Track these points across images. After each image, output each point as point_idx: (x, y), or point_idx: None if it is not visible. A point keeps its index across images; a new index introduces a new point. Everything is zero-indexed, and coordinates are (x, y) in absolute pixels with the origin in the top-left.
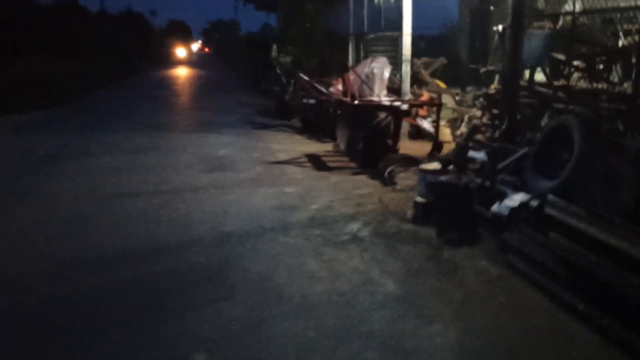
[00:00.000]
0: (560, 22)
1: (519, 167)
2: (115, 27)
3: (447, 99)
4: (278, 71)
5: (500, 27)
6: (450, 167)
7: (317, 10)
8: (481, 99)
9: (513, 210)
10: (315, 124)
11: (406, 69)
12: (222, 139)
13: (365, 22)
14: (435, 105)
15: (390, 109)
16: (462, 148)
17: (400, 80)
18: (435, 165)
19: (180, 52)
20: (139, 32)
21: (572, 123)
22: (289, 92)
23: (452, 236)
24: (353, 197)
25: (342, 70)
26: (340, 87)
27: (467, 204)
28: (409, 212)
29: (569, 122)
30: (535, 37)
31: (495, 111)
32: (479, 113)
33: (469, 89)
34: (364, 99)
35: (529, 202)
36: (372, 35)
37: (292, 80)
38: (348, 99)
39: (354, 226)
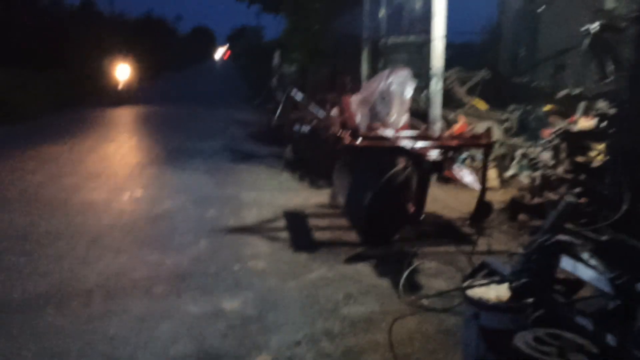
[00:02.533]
0: None
1: None
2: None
3: (492, 128)
4: (272, 84)
5: (595, 26)
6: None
7: (327, 11)
8: (554, 137)
9: None
10: (310, 159)
11: (437, 85)
12: (180, 180)
13: (384, 24)
14: (483, 146)
15: (413, 157)
16: (545, 252)
17: (428, 102)
18: (497, 294)
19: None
20: (159, 38)
21: None
22: (278, 114)
23: None
24: (341, 326)
25: (340, 88)
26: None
27: None
28: None
29: None
30: None
31: (580, 159)
32: (545, 155)
33: (510, 108)
34: (373, 133)
35: None
36: (391, 41)
37: (285, 98)
38: (347, 135)
39: None
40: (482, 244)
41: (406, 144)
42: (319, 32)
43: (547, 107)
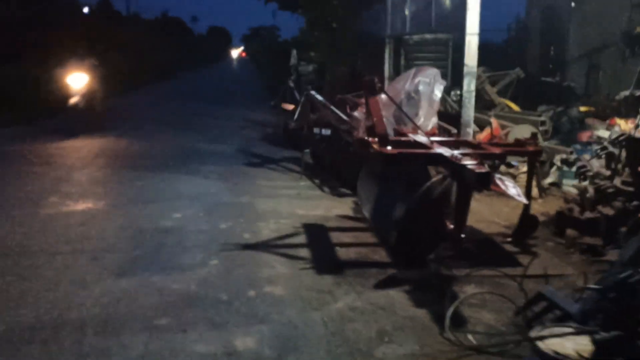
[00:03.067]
0: None
1: None
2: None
3: (527, 132)
4: (291, 84)
5: None
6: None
7: (346, 7)
8: (606, 146)
9: None
10: (331, 165)
11: (470, 86)
12: (192, 187)
13: (408, 20)
14: (529, 153)
15: (454, 167)
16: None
17: (459, 103)
18: (575, 347)
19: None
20: (176, 37)
21: None
22: (296, 115)
23: None
24: None
25: (366, 88)
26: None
27: None
28: None
29: None
30: None
31: None
32: (597, 163)
33: (541, 109)
34: (404, 138)
35: None
36: (416, 38)
37: (304, 98)
38: (375, 142)
39: None
40: (531, 266)
41: (444, 151)
42: (338, 29)
43: (584, 109)
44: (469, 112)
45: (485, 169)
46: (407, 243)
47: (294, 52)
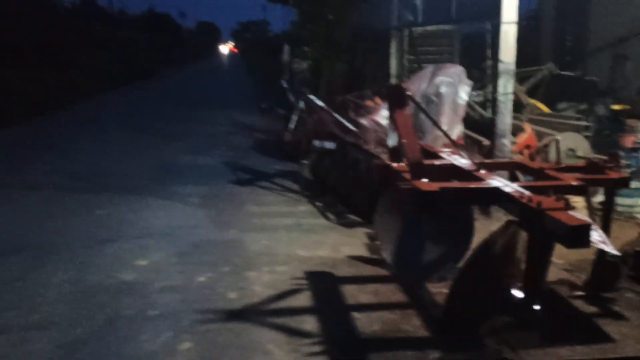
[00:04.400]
0: None
1: None
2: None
3: (574, 141)
4: (284, 84)
5: None
6: None
7: None
8: None
9: None
10: (337, 185)
11: (507, 87)
12: (166, 218)
13: (420, 8)
14: (611, 182)
15: (528, 214)
16: None
17: (494, 109)
18: None
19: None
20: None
21: None
22: (292, 124)
23: None
24: None
25: (392, 98)
26: (378, 116)
27: None
28: None
29: None
30: None
31: None
32: None
33: (561, 106)
34: (438, 162)
35: None
36: (430, 29)
37: (302, 102)
38: (404, 170)
39: None
40: (622, 339)
41: (503, 185)
42: (334, 22)
43: (617, 107)
44: (505, 119)
45: (582, 218)
46: (457, 315)
47: (287, 47)
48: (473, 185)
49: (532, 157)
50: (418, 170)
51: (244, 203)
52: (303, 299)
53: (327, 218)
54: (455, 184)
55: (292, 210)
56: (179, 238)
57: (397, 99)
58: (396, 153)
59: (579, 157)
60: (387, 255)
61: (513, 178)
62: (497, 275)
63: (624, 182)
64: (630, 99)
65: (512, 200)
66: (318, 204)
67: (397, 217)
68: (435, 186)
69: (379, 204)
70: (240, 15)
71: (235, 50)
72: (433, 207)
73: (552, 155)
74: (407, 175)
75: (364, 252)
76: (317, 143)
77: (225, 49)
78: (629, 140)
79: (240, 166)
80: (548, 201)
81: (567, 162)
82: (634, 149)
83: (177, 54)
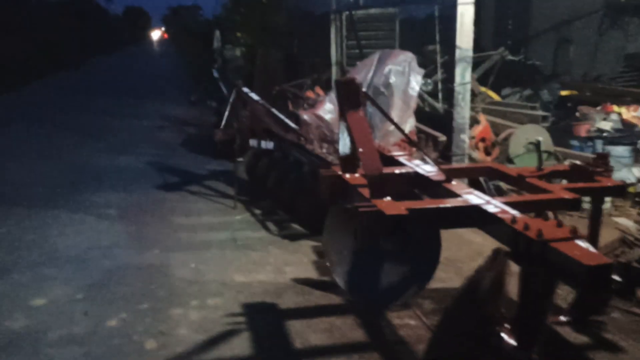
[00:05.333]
0: None
1: None
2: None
3: (535, 134)
4: (215, 74)
5: None
6: None
7: None
8: None
9: None
10: (277, 190)
11: (464, 76)
12: (75, 237)
13: None
14: (606, 191)
15: (530, 247)
16: None
17: (451, 100)
18: None
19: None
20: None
21: None
22: (224, 120)
23: None
24: None
25: (345, 96)
26: (321, 110)
27: None
28: None
29: None
30: None
31: None
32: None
33: (504, 92)
34: (399, 170)
35: None
36: (372, 12)
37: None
38: (363, 184)
39: None
40: None
41: (484, 202)
42: (269, 5)
43: (564, 93)
44: (463, 112)
45: (596, 253)
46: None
47: (217, 33)
48: (447, 204)
49: (487, 151)
50: (378, 186)
51: (171, 213)
52: (240, 345)
53: (266, 228)
54: (426, 203)
55: (227, 221)
56: (88, 264)
57: (349, 97)
58: (349, 162)
59: (540, 152)
60: (339, 278)
61: (476, 185)
62: (485, 319)
63: (620, 191)
64: (577, 84)
65: (499, 224)
66: (256, 211)
67: (350, 233)
68: (402, 208)
69: (328, 217)
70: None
71: (166, 36)
72: (399, 232)
73: (513, 149)
74: (364, 191)
75: (312, 272)
76: (252, 142)
77: (155, 35)
78: (582, 129)
79: (168, 167)
80: (549, 228)
81: (527, 157)
82: (589, 138)
83: (103, 40)
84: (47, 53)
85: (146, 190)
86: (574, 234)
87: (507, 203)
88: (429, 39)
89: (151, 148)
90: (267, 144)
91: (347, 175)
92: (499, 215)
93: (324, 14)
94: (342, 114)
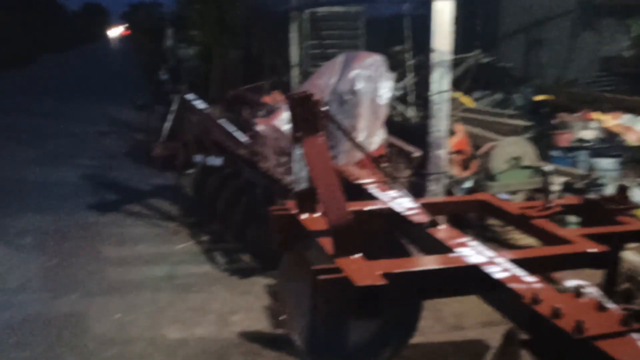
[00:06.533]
0: None
1: None
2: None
3: (518, 147)
4: (163, 75)
5: None
6: None
7: None
8: None
9: None
10: (225, 213)
11: (442, 84)
12: None
13: None
14: (627, 238)
15: (549, 335)
16: None
17: (427, 112)
18: None
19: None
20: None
21: None
22: (165, 131)
23: None
24: None
25: (302, 117)
26: (278, 120)
27: None
28: None
29: None
30: None
31: None
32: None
33: (475, 95)
34: (368, 208)
35: None
36: (335, 10)
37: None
38: (324, 230)
39: None
40: None
41: (487, 259)
42: (226, 1)
43: (540, 97)
44: (440, 124)
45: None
46: None
47: (169, 31)
48: (437, 265)
49: (465, 165)
50: (345, 239)
51: (101, 242)
52: None
53: (213, 262)
54: (409, 265)
55: (166, 252)
56: None
57: (306, 119)
58: (306, 198)
59: (524, 167)
60: (296, 335)
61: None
62: None
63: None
64: (552, 88)
65: (511, 298)
66: (203, 237)
67: (305, 279)
68: (377, 276)
69: (282, 261)
70: None
71: (126, 34)
72: (371, 305)
73: (496, 164)
74: (326, 243)
75: (264, 323)
76: (197, 158)
77: (115, 32)
78: (564, 139)
79: (107, 182)
80: (589, 315)
81: (511, 173)
82: (570, 148)
83: (57, 37)
84: None
85: (77, 212)
86: (628, 324)
87: (516, 261)
88: (397, 39)
89: (91, 158)
90: (215, 160)
91: (304, 216)
92: (511, 285)
93: (285, 11)
94: (296, 136)
